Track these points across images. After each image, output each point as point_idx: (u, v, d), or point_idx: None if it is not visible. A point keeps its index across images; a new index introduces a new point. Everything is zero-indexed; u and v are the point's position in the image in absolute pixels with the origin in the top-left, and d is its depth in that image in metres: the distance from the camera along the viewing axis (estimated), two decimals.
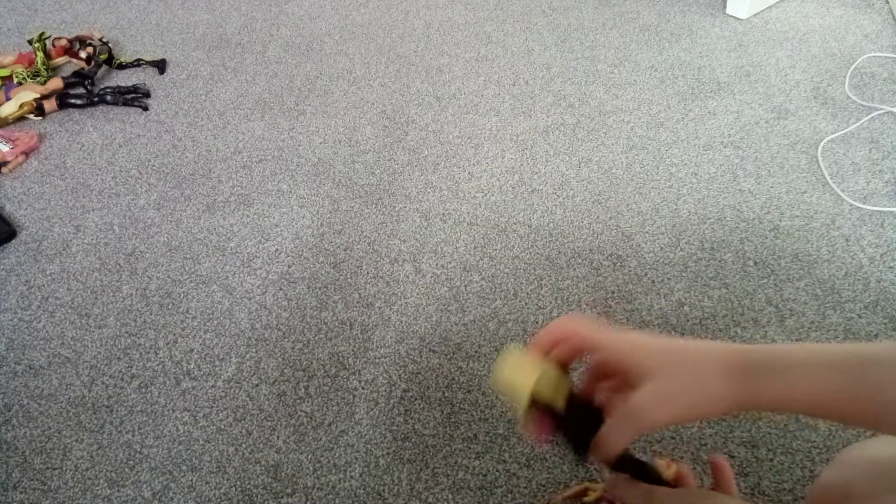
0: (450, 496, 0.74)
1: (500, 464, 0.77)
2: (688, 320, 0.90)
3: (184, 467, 0.79)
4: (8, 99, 1.34)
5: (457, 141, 1.23)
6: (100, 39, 1.50)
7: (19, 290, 1.02)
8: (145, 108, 1.36)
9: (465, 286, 0.97)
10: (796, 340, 0.86)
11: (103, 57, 1.46)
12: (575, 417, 0.43)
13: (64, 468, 0.80)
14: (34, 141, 1.28)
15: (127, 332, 0.94)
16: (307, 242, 1.05)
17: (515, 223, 1.06)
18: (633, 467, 0.44)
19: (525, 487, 0.74)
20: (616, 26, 1.51)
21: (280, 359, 0.90)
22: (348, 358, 0.89)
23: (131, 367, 0.90)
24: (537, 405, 0.42)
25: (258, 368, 0.89)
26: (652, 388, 0.40)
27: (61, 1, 1.77)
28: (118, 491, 0.77)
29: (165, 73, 1.47)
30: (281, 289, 0.99)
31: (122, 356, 0.91)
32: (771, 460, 0.75)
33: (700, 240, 1.01)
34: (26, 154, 1.27)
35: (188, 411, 0.84)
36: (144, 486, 0.77)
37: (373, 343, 0.90)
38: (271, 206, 1.12)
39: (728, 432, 0.78)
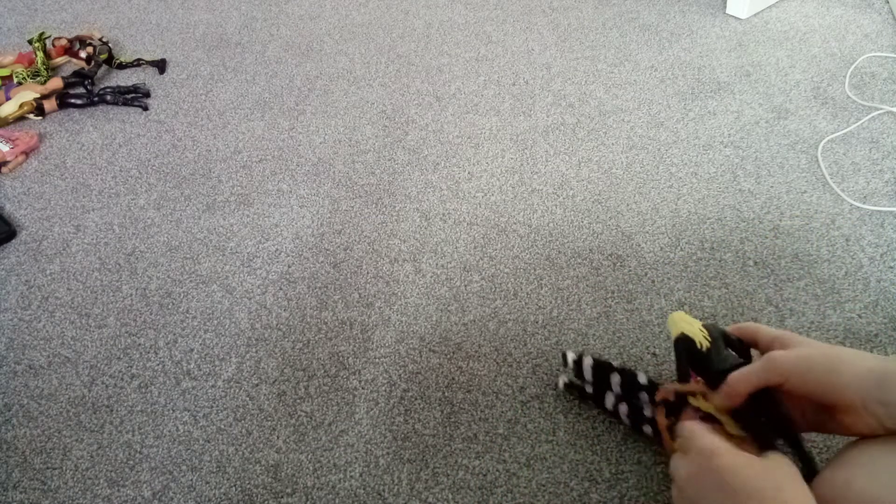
0: (450, 496, 0.74)
1: (500, 464, 0.77)
2: None
3: (184, 467, 0.79)
4: (8, 99, 1.35)
5: (457, 141, 1.23)
6: (100, 39, 1.50)
7: (19, 290, 1.02)
8: (145, 108, 1.36)
9: (465, 286, 0.97)
10: None
11: (103, 57, 1.47)
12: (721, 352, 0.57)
13: (64, 468, 0.80)
14: (34, 141, 1.28)
15: (127, 332, 0.94)
16: (307, 242, 1.06)
17: (515, 223, 1.06)
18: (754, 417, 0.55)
19: (525, 487, 0.74)
20: (616, 26, 1.51)
21: (280, 359, 0.90)
22: (348, 358, 0.89)
23: (131, 367, 0.90)
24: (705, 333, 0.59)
25: (258, 368, 0.89)
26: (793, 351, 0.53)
27: (61, 1, 1.77)
28: (118, 491, 0.77)
29: (165, 73, 1.47)
30: (281, 289, 0.99)
31: (122, 356, 0.91)
32: None
33: (700, 240, 1.01)
34: (26, 154, 1.27)
35: (188, 411, 0.84)
36: (144, 485, 0.78)
37: (373, 343, 0.90)
38: (271, 206, 1.12)
39: None
